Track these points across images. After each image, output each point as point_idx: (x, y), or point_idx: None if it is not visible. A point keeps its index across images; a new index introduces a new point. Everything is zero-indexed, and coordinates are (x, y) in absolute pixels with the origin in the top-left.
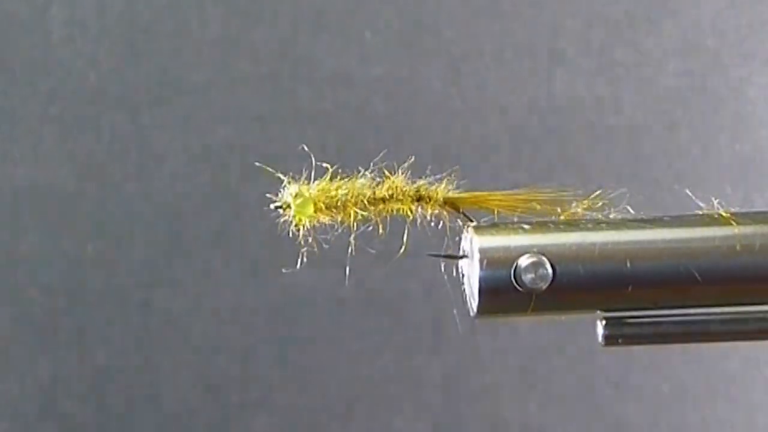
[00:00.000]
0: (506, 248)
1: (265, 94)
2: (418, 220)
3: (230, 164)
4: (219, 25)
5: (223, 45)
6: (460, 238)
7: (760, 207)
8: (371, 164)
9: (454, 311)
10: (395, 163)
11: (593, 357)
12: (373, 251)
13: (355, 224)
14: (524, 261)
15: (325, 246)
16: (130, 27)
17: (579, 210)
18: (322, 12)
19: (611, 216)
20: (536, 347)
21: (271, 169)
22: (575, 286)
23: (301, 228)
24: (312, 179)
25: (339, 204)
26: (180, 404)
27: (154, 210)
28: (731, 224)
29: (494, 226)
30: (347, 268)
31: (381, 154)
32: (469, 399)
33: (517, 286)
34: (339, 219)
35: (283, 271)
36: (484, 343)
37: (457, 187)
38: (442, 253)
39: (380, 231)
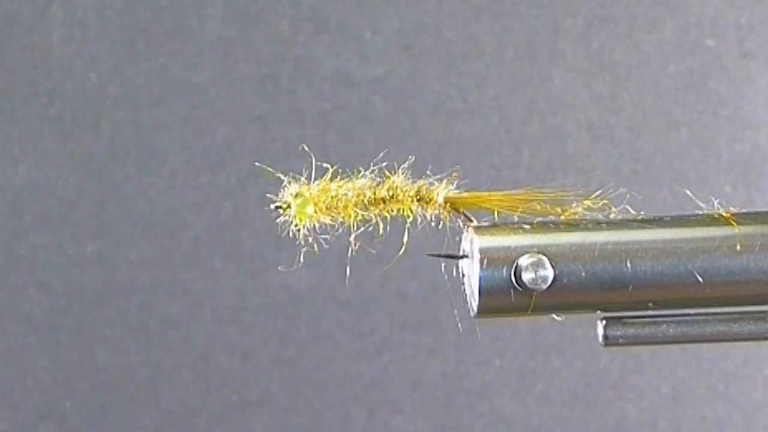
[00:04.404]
0: (506, 248)
1: (265, 94)
2: (418, 220)
3: (230, 164)
4: (219, 25)
5: (223, 45)
6: (460, 238)
7: (760, 207)
8: (371, 164)
9: (454, 311)
10: (395, 163)
11: (593, 357)
12: (373, 251)
13: (355, 224)
14: (524, 261)
15: (325, 246)
16: (130, 27)
17: (579, 210)
18: (322, 12)
19: (611, 216)
20: (536, 347)
21: (271, 169)
22: (575, 287)
23: (301, 228)
24: (312, 179)
25: (339, 204)
26: (180, 404)
27: (154, 210)
28: (731, 224)
29: (494, 226)
30: (347, 268)
31: (381, 154)
32: (469, 399)
33: (517, 286)
34: (339, 219)
35: (280, 269)
36: (484, 343)
37: (457, 187)
38: (442, 253)
39: (380, 231)
